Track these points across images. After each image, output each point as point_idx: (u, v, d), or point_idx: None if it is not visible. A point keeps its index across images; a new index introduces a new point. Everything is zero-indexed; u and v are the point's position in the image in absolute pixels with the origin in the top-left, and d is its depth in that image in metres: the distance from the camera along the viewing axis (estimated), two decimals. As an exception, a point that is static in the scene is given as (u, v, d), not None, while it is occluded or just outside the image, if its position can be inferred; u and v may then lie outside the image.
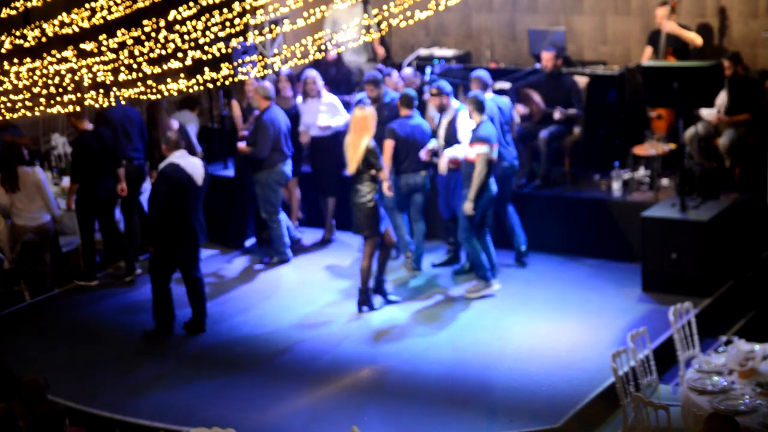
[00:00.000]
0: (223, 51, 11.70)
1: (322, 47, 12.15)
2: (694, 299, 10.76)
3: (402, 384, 10.05)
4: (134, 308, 11.86)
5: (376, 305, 11.57)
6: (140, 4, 11.29)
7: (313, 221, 13.96)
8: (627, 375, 8.75)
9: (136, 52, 11.17)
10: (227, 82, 12.00)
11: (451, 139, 12.12)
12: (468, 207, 11.56)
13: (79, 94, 11.39)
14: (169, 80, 11.40)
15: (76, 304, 12.25)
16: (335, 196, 13.56)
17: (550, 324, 11.08)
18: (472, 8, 15.45)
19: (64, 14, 11.47)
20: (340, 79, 14.50)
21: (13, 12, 11.82)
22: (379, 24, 11.86)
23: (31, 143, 13.63)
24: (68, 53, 11.43)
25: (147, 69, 11.20)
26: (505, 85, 13.81)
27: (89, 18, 11.36)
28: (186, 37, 11.32)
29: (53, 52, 11.52)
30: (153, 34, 11.27)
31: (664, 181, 12.94)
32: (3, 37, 11.59)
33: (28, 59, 11.50)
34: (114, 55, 11.23)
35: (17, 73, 11.34)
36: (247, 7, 11.38)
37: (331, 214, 13.65)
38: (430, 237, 12.85)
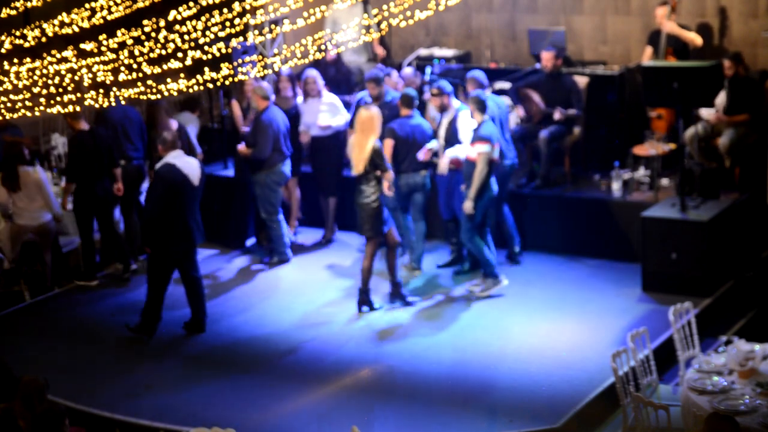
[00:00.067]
0: (223, 51, 11.69)
1: (322, 47, 12.15)
2: (694, 299, 10.76)
3: (402, 384, 10.05)
4: (134, 308, 11.83)
5: (376, 305, 11.57)
6: (140, 4, 11.29)
7: (313, 221, 13.96)
8: (627, 375, 8.75)
9: (136, 52, 11.17)
10: (227, 82, 12.00)
11: (452, 139, 12.12)
12: (468, 206, 11.56)
13: (79, 94, 11.39)
14: (169, 80, 11.39)
15: (76, 304, 12.25)
16: (336, 196, 13.57)
17: (550, 324, 11.09)
18: (472, 8, 15.45)
19: (64, 14, 11.46)
20: (340, 79, 14.50)
21: (13, 12, 11.81)
22: (379, 24, 11.86)
23: (31, 143, 13.63)
24: (68, 53, 11.42)
25: (147, 69, 11.20)
26: (505, 85, 13.82)
27: (89, 18, 11.35)
28: (186, 37, 11.31)
29: (53, 52, 11.51)
30: (153, 34, 11.26)
31: (664, 181, 12.94)
32: (3, 37, 11.59)
33: (28, 59, 11.49)
34: (114, 55, 11.23)
35: (17, 73, 11.33)
36: (247, 7, 11.38)
37: (332, 213, 13.65)
38: (430, 237, 12.85)
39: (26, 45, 11.58)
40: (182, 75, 11.53)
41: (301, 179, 13.72)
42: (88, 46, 11.47)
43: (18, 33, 11.59)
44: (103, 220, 12.61)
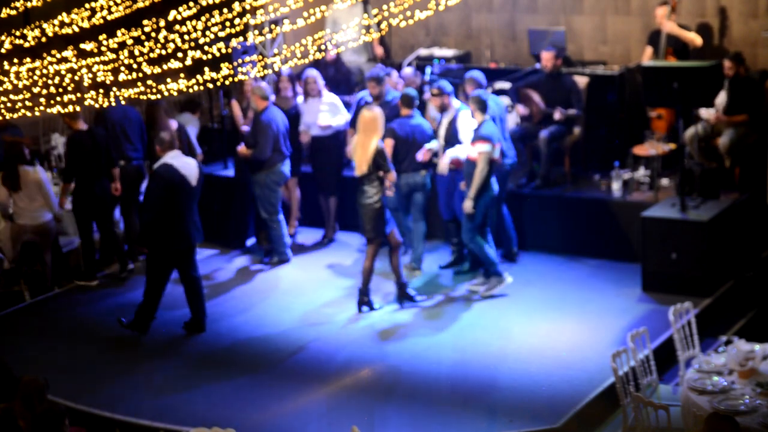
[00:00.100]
0: (223, 51, 11.69)
1: (322, 47, 12.15)
2: (694, 299, 10.76)
3: (402, 384, 10.05)
4: (134, 308, 11.83)
5: (376, 306, 11.57)
6: (140, 4, 11.28)
7: (313, 221, 13.96)
8: (627, 375, 8.75)
9: (136, 52, 11.16)
10: (227, 82, 12.00)
11: (452, 139, 12.13)
12: (468, 205, 11.57)
13: (79, 94, 11.39)
14: (169, 80, 11.39)
15: (76, 304, 12.25)
16: (336, 196, 13.57)
17: (550, 324, 11.09)
18: (472, 8, 15.45)
19: (64, 14, 11.46)
20: (340, 79, 14.50)
21: (13, 12, 11.81)
22: (379, 24, 11.86)
23: (31, 143, 13.63)
24: (68, 53, 11.42)
25: (147, 69, 11.20)
26: (505, 85, 13.83)
27: (89, 18, 11.35)
28: (186, 37, 11.31)
29: (53, 52, 11.51)
30: (153, 34, 11.26)
31: (664, 181, 12.94)
32: (3, 37, 11.59)
33: (28, 59, 11.49)
34: (114, 55, 11.23)
35: (17, 73, 11.34)
36: (247, 7, 11.38)
37: (334, 213, 13.65)
38: (430, 237, 12.85)
39: (26, 45, 11.58)
40: (182, 75, 11.53)
41: (301, 179, 13.72)
42: (88, 46, 11.47)
43: (18, 33, 11.59)
44: (102, 220, 12.62)
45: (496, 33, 15.40)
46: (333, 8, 12.62)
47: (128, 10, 11.37)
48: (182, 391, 10.08)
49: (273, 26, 13.17)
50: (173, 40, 11.25)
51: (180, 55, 11.41)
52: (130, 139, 12.88)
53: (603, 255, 12.64)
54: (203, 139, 14.46)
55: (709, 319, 11.10)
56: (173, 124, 13.14)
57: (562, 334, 10.84)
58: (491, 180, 11.64)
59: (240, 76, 12.33)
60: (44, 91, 11.32)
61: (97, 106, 11.58)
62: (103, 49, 11.31)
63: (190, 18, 11.40)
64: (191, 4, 11.36)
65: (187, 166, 11.04)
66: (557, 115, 13.07)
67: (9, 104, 11.22)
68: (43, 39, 11.54)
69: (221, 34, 11.37)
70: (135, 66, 11.21)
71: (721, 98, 12.67)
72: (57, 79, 11.32)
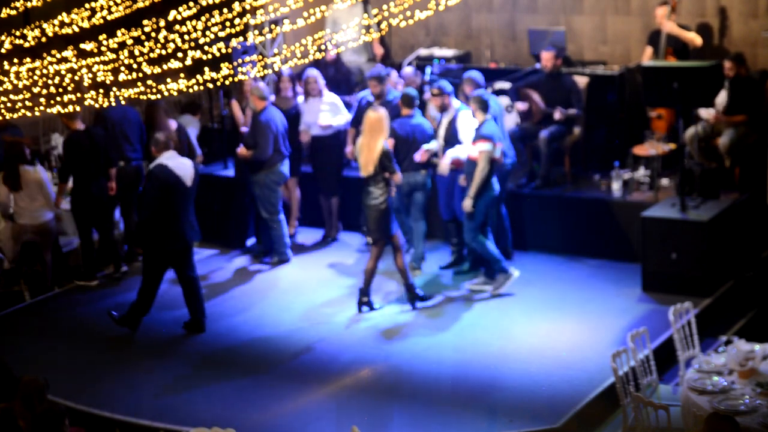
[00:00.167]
0: (223, 51, 11.69)
1: (322, 47, 12.15)
2: (694, 299, 10.76)
3: (402, 384, 10.05)
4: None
5: (376, 306, 11.56)
6: (140, 4, 11.29)
7: (313, 221, 13.96)
8: (627, 375, 8.75)
9: (136, 52, 11.17)
10: (227, 82, 12.00)
11: (452, 139, 12.13)
12: (467, 204, 11.57)
13: (79, 94, 11.39)
14: (169, 80, 11.40)
15: (76, 304, 12.25)
16: (338, 195, 13.57)
17: (550, 324, 11.09)
18: (472, 8, 15.45)
19: (64, 14, 11.46)
20: (340, 79, 14.50)
21: (13, 12, 11.81)
22: (379, 24, 11.86)
23: (31, 143, 13.64)
24: (68, 53, 11.42)
25: (147, 69, 11.20)
26: (505, 85, 13.82)
27: (89, 18, 11.35)
28: (186, 37, 11.31)
29: (53, 52, 11.52)
30: (153, 34, 11.27)
31: (664, 181, 12.94)
32: (3, 37, 11.59)
33: (28, 59, 11.50)
34: (114, 55, 11.23)
35: (17, 73, 11.34)
36: (247, 7, 11.38)
37: (336, 213, 13.65)
38: (430, 237, 12.85)
39: (26, 45, 11.58)
40: (182, 75, 11.53)
41: (301, 179, 13.71)
42: (88, 46, 11.48)
43: (18, 33, 11.59)
44: (100, 220, 12.62)
45: (496, 33, 15.40)
46: (333, 8, 12.62)
47: (128, 10, 11.37)
48: (182, 391, 10.08)
49: (273, 26, 13.17)
50: (173, 40, 11.26)
51: (180, 55, 11.41)
52: (129, 139, 12.88)
53: (603, 255, 12.64)
54: (204, 141, 14.46)
55: (709, 319, 11.10)
56: (173, 125, 13.14)
57: (562, 334, 10.84)
58: (493, 180, 11.64)
59: (240, 76, 12.33)
60: (44, 91, 11.33)
61: (97, 106, 11.58)
62: (103, 49, 11.32)
63: (190, 18, 11.40)
64: (191, 4, 11.36)
65: (183, 167, 11.05)
66: (557, 115, 13.07)
67: (9, 104, 11.23)
68: (43, 39, 11.54)
69: (221, 34, 11.37)
70: (135, 66, 11.21)
71: (721, 98, 12.67)
72: (57, 79, 11.32)
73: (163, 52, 11.26)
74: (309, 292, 12.17)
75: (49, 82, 11.31)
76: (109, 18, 11.37)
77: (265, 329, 11.32)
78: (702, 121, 12.78)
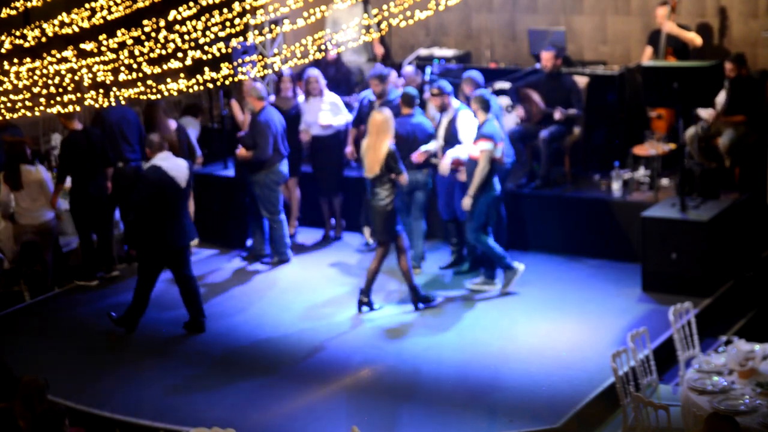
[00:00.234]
0: (223, 51, 11.69)
1: (322, 47, 12.15)
2: (694, 299, 10.76)
3: (402, 384, 10.05)
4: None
5: (376, 306, 11.56)
6: (140, 4, 11.28)
7: (313, 221, 13.96)
8: (627, 375, 8.75)
9: (136, 52, 11.17)
10: (227, 82, 12.00)
11: (451, 138, 12.13)
12: (467, 203, 11.57)
13: (79, 94, 11.39)
14: (169, 80, 11.39)
15: (76, 304, 12.25)
16: (339, 195, 13.57)
17: (550, 324, 11.09)
18: (472, 8, 15.45)
19: (64, 14, 11.46)
20: (340, 79, 14.50)
21: (13, 12, 11.81)
22: (379, 24, 11.86)
23: (31, 143, 13.64)
24: (68, 53, 11.42)
25: (147, 69, 11.20)
26: (505, 85, 13.83)
27: (89, 18, 11.35)
28: (186, 37, 11.31)
29: (53, 52, 11.52)
30: (153, 34, 11.26)
31: (664, 181, 12.94)
32: (3, 37, 11.59)
33: (28, 59, 11.49)
34: (114, 55, 11.23)
35: (17, 73, 11.34)
36: (247, 7, 11.37)
37: (339, 212, 13.66)
38: (430, 237, 12.85)
39: (26, 45, 11.58)
40: (182, 75, 11.53)
41: (301, 179, 13.71)
42: (88, 46, 11.48)
43: (18, 33, 11.59)
44: (98, 220, 12.62)
45: (496, 33, 15.40)
46: (333, 8, 12.61)
47: (128, 10, 11.37)
48: (182, 391, 10.08)
49: (273, 26, 13.18)
50: (173, 40, 11.25)
51: (180, 55, 11.41)
52: (128, 140, 12.88)
53: (603, 255, 12.64)
54: (204, 142, 14.46)
55: (709, 319, 11.10)
56: (172, 125, 13.14)
57: (562, 334, 10.84)
58: (494, 180, 11.64)
59: (240, 76, 12.33)
60: (44, 91, 11.32)
61: (97, 106, 11.58)
62: (103, 49, 11.31)
63: (190, 18, 11.39)
64: (191, 4, 11.36)
65: (177, 168, 11.05)
66: (557, 115, 13.07)
67: (9, 104, 11.23)
68: (43, 39, 11.54)
69: (221, 34, 11.36)
70: (135, 66, 11.21)
71: (721, 98, 12.67)
72: (57, 79, 11.32)
73: (163, 52, 11.25)
74: (309, 291, 12.17)
75: (49, 82, 11.31)
76: (109, 18, 11.37)
77: (265, 329, 11.32)
78: (702, 121, 12.78)
